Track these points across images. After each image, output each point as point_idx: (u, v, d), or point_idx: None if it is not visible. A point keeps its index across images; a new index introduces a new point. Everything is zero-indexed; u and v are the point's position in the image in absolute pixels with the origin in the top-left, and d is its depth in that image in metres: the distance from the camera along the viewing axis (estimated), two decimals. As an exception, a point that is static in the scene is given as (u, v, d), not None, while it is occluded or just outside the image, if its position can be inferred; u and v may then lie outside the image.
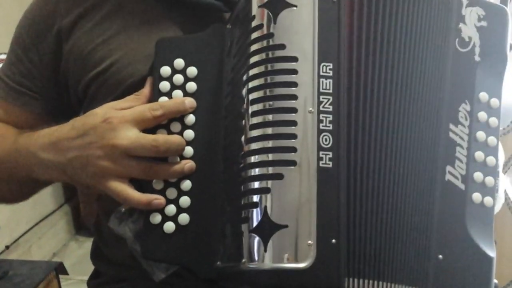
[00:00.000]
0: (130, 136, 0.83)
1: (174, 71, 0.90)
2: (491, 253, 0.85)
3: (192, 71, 0.90)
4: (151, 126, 0.85)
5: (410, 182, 0.84)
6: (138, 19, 0.99)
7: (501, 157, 0.93)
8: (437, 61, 0.87)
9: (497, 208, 0.94)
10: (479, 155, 0.87)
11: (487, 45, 0.88)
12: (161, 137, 0.84)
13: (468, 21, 0.88)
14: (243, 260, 0.81)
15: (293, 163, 0.80)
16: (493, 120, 0.87)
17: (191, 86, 0.90)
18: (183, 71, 0.90)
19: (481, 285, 0.85)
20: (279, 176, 0.80)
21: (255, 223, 0.81)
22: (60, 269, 2.09)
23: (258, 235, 0.80)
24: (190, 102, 0.87)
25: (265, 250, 0.80)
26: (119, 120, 0.84)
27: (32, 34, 1.03)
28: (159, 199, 0.84)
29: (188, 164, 0.86)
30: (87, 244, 1.08)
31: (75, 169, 0.86)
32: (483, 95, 0.87)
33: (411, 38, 0.86)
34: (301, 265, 0.79)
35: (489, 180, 0.87)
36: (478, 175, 0.86)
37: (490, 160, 0.87)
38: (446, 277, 0.84)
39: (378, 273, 0.82)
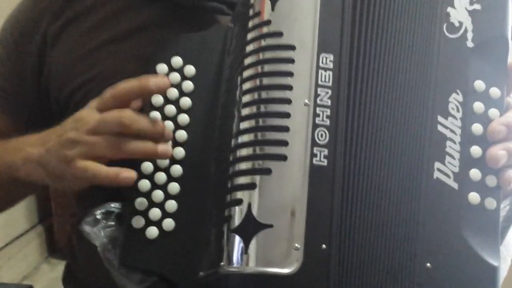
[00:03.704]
0: (100, 114, 0.79)
1: (171, 69, 0.85)
2: (495, 261, 0.74)
3: (190, 70, 0.86)
4: None
5: (395, 183, 0.76)
6: (130, 26, 0.95)
7: None
8: (424, 49, 0.79)
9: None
10: (475, 150, 0.77)
11: (482, 29, 0.79)
12: (128, 112, 0.77)
13: (457, 5, 0.80)
14: (222, 263, 0.73)
15: (283, 157, 0.73)
16: (493, 112, 0.78)
17: (188, 85, 0.85)
18: (180, 70, 0.86)
19: None
20: (267, 171, 0.73)
21: (237, 222, 0.73)
22: (31, 292, 2.00)
23: (240, 235, 0.72)
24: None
25: (246, 252, 0.71)
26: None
27: (16, 35, 1.00)
28: (129, 171, 0.76)
29: (163, 147, 0.78)
30: (60, 267, 1.01)
31: (50, 157, 0.82)
32: (479, 84, 0.78)
33: (399, 25, 0.79)
34: (286, 270, 0.71)
35: (491, 179, 0.76)
36: (475, 173, 0.76)
37: None
38: (436, 287, 0.73)
39: (363, 284, 0.73)
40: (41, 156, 0.83)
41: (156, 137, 0.79)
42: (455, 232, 0.75)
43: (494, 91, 0.78)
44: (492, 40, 0.79)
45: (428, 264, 0.74)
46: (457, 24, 0.79)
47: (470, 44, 0.79)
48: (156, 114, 0.84)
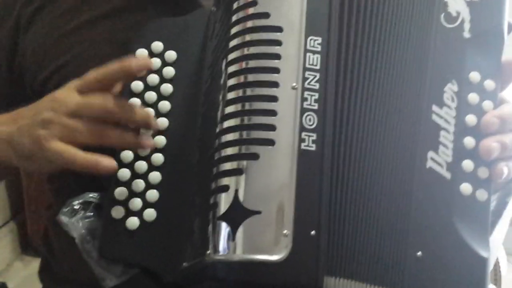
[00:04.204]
0: (80, 96, 0.75)
1: (151, 54, 0.83)
2: (485, 253, 0.74)
3: (171, 55, 0.83)
4: None
5: (387, 171, 0.74)
6: (106, 9, 0.92)
7: None
8: (421, 38, 0.77)
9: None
10: (469, 141, 0.76)
11: (479, 21, 0.78)
12: (113, 98, 0.75)
13: None
14: (208, 252, 0.70)
15: (271, 142, 0.71)
16: (487, 104, 0.77)
17: (169, 71, 0.83)
18: (161, 55, 0.83)
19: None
20: (254, 156, 0.71)
21: (223, 209, 0.70)
22: (3, 290, 1.95)
23: (227, 222, 0.70)
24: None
25: (233, 239, 0.69)
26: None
27: None
28: (109, 160, 0.73)
29: (147, 139, 0.77)
30: (34, 264, 0.98)
31: (21, 136, 0.77)
32: (475, 75, 0.77)
33: (395, 12, 0.77)
34: (275, 257, 0.68)
35: (483, 171, 0.75)
36: (467, 164, 0.75)
37: None
38: (426, 277, 0.72)
39: (352, 272, 0.72)
40: (11, 135, 0.79)
41: (141, 127, 0.76)
42: (446, 222, 0.73)
43: (489, 84, 0.77)
44: (488, 32, 0.78)
45: (419, 253, 0.72)
46: (454, 14, 0.78)
47: (467, 34, 0.78)
48: (135, 101, 0.81)
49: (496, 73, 0.78)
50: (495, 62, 0.78)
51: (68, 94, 0.76)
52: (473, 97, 0.76)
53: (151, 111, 0.81)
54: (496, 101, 0.77)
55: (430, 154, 0.74)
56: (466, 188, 0.74)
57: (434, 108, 0.75)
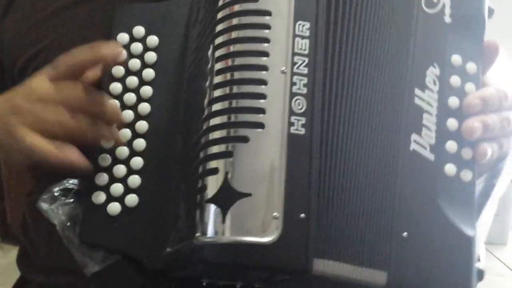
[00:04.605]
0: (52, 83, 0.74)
1: (133, 39, 0.82)
2: (471, 232, 0.75)
3: (153, 40, 0.82)
4: None
5: (373, 154, 0.75)
6: None
7: None
8: (403, 23, 0.78)
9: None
10: (451, 122, 0.77)
11: (459, 6, 0.80)
12: (85, 89, 0.74)
13: None
14: (197, 234, 0.69)
15: (260, 125, 0.71)
16: (469, 86, 0.78)
17: (151, 56, 0.81)
18: (142, 40, 0.82)
19: (459, 267, 0.74)
20: (243, 139, 0.71)
21: (212, 192, 0.69)
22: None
23: (217, 205, 0.69)
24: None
25: (223, 221, 0.68)
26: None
27: None
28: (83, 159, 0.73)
29: (118, 136, 0.76)
30: (13, 253, 0.95)
31: None
32: (456, 58, 0.78)
33: None
34: (265, 239, 0.68)
35: (466, 152, 0.77)
36: (451, 145, 0.76)
37: None
38: (412, 257, 0.73)
39: (340, 254, 0.71)
40: None
41: (109, 120, 0.75)
42: (431, 203, 0.74)
43: (471, 66, 0.79)
44: (469, 17, 0.80)
45: (405, 234, 0.73)
46: (435, 0, 0.79)
47: (447, 19, 0.79)
48: (116, 86, 0.80)
49: (478, 56, 0.79)
50: (476, 46, 0.79)
51: (39, 81, 0.74)
52: (455, 80, 0.78)
53: (132, 96, 0.79)
54: (478, 83, 0.78)
55: (414, 136, 0.75)
56: (450, 169, 0.75)
57: (417, 91, 0.76)
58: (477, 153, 0.76)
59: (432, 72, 0.77)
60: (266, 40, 0.73)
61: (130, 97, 0.80)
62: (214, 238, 0.69)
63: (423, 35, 0.78)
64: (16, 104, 0.74)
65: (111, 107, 0.75)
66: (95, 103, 0.74)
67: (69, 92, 0.73)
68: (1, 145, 0.77)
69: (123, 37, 0.81)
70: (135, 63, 0.81)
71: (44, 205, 0.77)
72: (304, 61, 0.73)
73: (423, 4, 0.79)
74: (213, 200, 0.70)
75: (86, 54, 0.74)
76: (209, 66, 0.74)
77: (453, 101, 0.77)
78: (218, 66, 0.74)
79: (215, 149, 0.71)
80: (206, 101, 0.74)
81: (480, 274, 0.76)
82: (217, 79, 0.73)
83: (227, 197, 0.69)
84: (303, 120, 0.72)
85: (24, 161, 0.79)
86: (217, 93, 0.73)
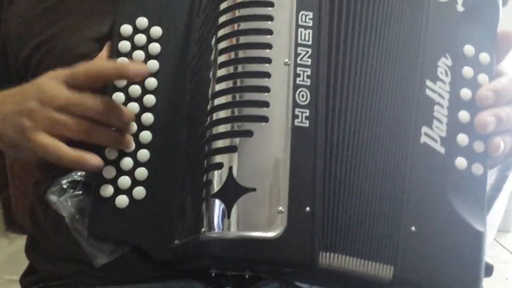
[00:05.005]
0: (70, 92, 0.74)
1: (136, 30, 0.81)
2: (481, 227, 0.74)
3: (156, 31, 0.82)
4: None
5: (381, 147, 0.74)
6: None
7: None
8: (414, 13, 0.77)
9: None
10: (463, 115, 0.75)
11: None
12: (106, 101, 0.74)
13: None
14: (203, 229, 0.69)
15: (264, 119, 0.70)
16: (482, 77, 0.76)
17: (154, 47, 0.81)
18: (146, 31, 0.82)
19: (467, 263, 0.73)
20: (248, 133, 0.70)
21: (218, 187, 0.69)
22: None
23: (222, 200, 0.69)
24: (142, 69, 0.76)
25: (229, 217, 0.68)
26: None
27: None
28: (95, 158, 0.73)
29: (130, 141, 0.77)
30: (19, 241, 0.96)
31: (5, 124, 0.76)
32: (469, 49, 0.77)
33: None
34: (270, 234, 0.68)
35: (478, 145, 0.75)
36: (462, 138, 0.75)
37: None
38: (420, 252, 0.72)
39: (347, 247, 0.71)
40: None
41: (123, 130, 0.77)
42: (440, 197, 0.73)
43: (484, 57, 0.77)
44: (482, 5, 0.78)
45: (413, 228, 0.72)
46: None
47: (460, 8, 0.77)
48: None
49: (491, 46, 0.77)
50: (490, 35, 0.77)
51: (56, 87, 0.74)
52: (467, 71, 0.76)
53: (137, 88, 0.79)
54: (492, 74, 0.76)
55: (424, 129, 0.74)
56: (461, 162, 0.74)
57: (428, 83, 0.75)
58: (490, 147, 0.74)
59: (444, 63, 0.76)
60: (269, 31, 0.72)
61: (135, 89, 0.80)
62: (220, 234, 0.69)
63: (434, 25, 0.76)
64: (30, 108, 0.74)
65: (127, 118, 0.76)
66: (114, 115, 0.74)
67: (91, 104, 0.73)
68: (12, 144, 0.77)
69: (127, 28, 0.81)
70: (139, 55, 0.81)
71: (53, 198, 0.78)
72: (307, 52, 0.73)
73: None
74: (218, 195, 0.70)
75: (112, 71, 0.74)
76: (212, 58, 0.74)
77: (465, 93, 0.75)
78: (221, 59, 0.73)
79: (219, 143, 0.71)
80: (209, 94, 0.73)
81: (489, 270, 0.76)
82: (220, 72, 0.73)
83: (232, 192, 0.69)
84: (307, 112, 0.71)
85: (36, 158, 0.79)
86: (221, 86, 0.72)
